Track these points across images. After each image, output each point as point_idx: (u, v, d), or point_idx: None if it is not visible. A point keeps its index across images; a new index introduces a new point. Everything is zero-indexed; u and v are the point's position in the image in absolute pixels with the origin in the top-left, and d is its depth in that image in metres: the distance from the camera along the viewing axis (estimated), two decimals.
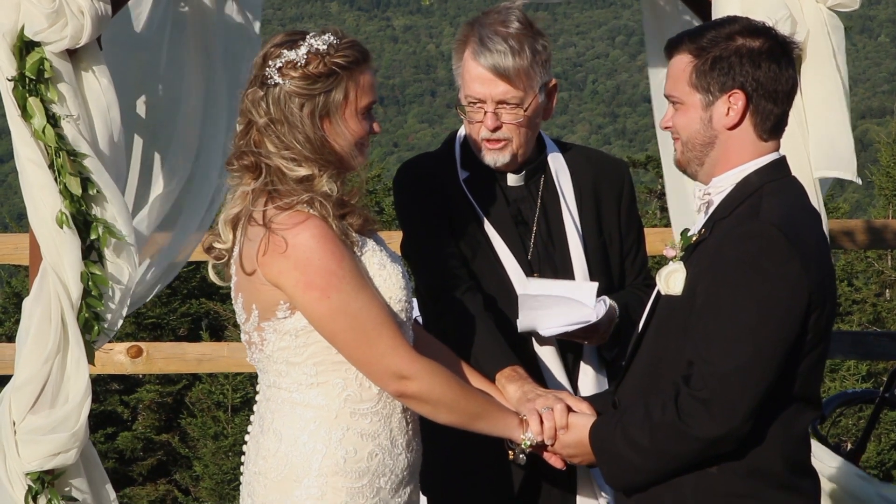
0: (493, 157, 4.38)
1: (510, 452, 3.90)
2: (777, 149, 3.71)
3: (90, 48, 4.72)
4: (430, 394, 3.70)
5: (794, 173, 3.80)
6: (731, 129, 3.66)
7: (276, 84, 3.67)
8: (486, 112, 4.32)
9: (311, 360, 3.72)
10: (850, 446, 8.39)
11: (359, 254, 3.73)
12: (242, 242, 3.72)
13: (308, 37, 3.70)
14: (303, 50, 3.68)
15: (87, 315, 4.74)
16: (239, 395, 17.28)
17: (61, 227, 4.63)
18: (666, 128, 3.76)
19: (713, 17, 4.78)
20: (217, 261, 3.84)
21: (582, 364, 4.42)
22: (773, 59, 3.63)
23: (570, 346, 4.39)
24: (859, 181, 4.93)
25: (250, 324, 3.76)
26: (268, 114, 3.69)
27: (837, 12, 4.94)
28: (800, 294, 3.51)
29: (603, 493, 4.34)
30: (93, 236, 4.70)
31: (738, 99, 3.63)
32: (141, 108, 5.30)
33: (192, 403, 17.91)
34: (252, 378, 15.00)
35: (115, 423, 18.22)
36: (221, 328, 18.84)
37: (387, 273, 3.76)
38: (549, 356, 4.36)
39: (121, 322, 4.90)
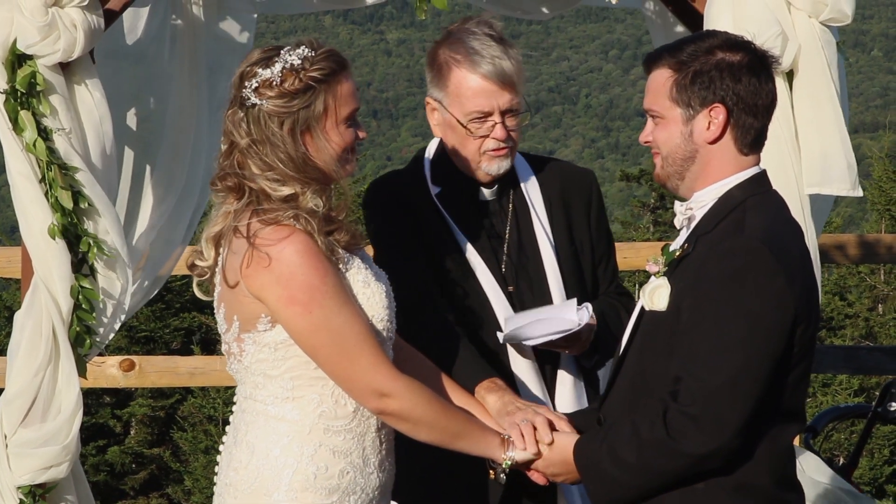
0: (499, 164, 4.34)
1: (491, 472, 3.87)
2: (758, 163, 3.71)
3: (83, 61, 4.72)
4: (410, 412, 3.68)
5: (782, 188, 3.79)
6: (712, 143, 3.65)
7: (255, 104, 3.65)
8: (494, 124, 4.28)
9: (289, 374, 3.71)
10: (842, 461, 8.39)
11: (344, 270, 3.71)
12: (226, 254, 3.70)
13: (283, 52, 3.66)
14: (277, 67, 3.64)
15: (78, 329, 4.74)
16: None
17: (53, 239, 4.62)
18: (646, 142, 3.76)
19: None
20: (199, 278, 3.83)
21: (560, 374, 4.41)
22: (753, 73, 3.63)
23: (548, 356, 4.38)
24: (858, 193, 4.92)
25: (230, 334, 3.74)
26: (249, 135, 3.66)
27: (830, 27, 4.95)
28: (786, 308, 3.51)
29: None
30: (83, 249, 4.70)
31: (718, 113, 3.63)
32: (133, 121, 5.29)
33: (184, 417, 17.90)
34: None
35: (107, 436, 18.20)
36: (214, 342, 18.84)
37: (371, 291, 3.74)
38: (526, 368, 4.35)
39: (112, 335, 4.90)
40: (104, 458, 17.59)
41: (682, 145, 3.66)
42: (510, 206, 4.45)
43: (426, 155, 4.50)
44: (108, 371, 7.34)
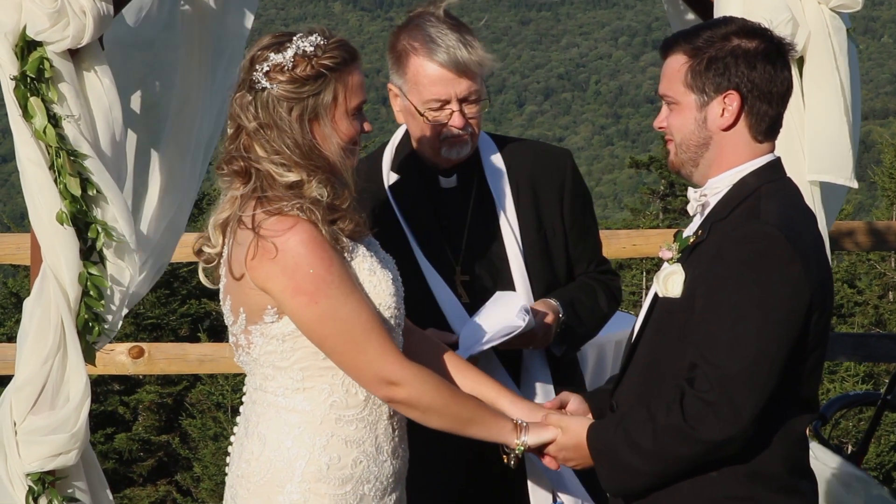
0: (458, 150, 4.37)
1: (504, 457, 3.87)
2: (772, 150, 3.71)
3: (92, 48, 4.71)
4: (419, 400, 3.68)
5: (793, 176, 3.79)
6: (726, 130, 3.65)
7: (264, 88, 3.64)
8: (452, 112, 4.30)
9: (298, 364, 3.70)
10: (850, 448, 8.40)
11: (349, 259, 3.70)
12: (231, 246, 3.70)
13: (295, 38, 3.66)
14: (289, 52, 3.64)
15: (86, 316, 4.73)
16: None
17: (62, 225, 4.62)
18: (660, 128, 3.75)
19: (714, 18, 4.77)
20: (206, 264, 3.82)
21: (525, 363, 4.41)
22: (768, 60, 3.62)
23: (510, 352, 4.36)
24: (854, 185, 4.91)
25: (237, 326, 3.74)
26: (257, 118, 3.66)
27: (839, 13, 4.93)
28: (802, 295, 3.51)
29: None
30: (92, 236, 4.70)
31: (732, 100, 3.62)
32: (143, 108, 5.28)
33: (192, 404, 17.93)
34: None
35: (116, 423, 18.24)
36: (222, 329, 18.84)
37: (377, 279, 3.73)
38: (488, 356, 4.33)
39: (120, 323, 4.89)
40: (112, 446, 17.62)
41: (695, 132, 3.66)
42: (472, 192, 4.44)
43: (390, 142, 4.52)
44: (118, 358, 7.33)
